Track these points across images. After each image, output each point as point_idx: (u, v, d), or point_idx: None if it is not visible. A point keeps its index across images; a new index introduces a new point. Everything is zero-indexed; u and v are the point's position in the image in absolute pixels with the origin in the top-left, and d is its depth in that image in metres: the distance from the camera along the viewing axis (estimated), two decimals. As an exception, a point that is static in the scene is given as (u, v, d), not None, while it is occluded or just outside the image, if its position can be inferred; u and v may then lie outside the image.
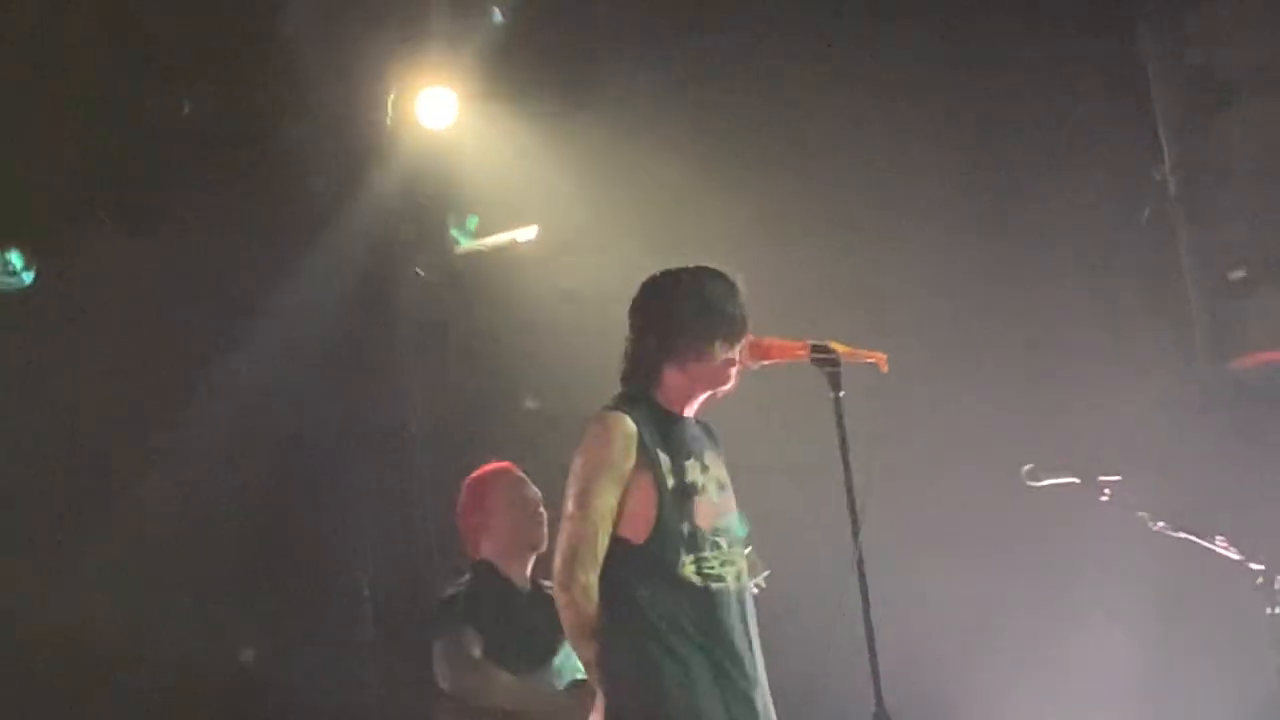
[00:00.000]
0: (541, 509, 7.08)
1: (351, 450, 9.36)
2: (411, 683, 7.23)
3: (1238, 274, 8.80)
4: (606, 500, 5.45)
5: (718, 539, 5.55)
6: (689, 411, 5.65)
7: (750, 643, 5.56)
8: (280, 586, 8.61)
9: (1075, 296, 9.36)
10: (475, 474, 7.25)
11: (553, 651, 6.86)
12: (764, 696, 5.57)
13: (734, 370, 5.61)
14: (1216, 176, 8.89)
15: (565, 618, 5.48)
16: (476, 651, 6.75)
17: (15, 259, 8.50)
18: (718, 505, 5.59)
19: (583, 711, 6.70)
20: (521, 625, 6.87)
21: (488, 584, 6.96)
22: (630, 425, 5.49)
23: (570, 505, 5.48)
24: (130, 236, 8.63)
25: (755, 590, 5.90)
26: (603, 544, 5.46)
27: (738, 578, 5.58)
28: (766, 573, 6.40)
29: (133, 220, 8.63)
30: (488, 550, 7.04)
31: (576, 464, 5.50)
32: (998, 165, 9.33)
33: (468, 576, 7.01)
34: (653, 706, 5.40)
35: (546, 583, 6.97)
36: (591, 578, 5.44)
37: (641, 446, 5.49)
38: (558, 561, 5.48)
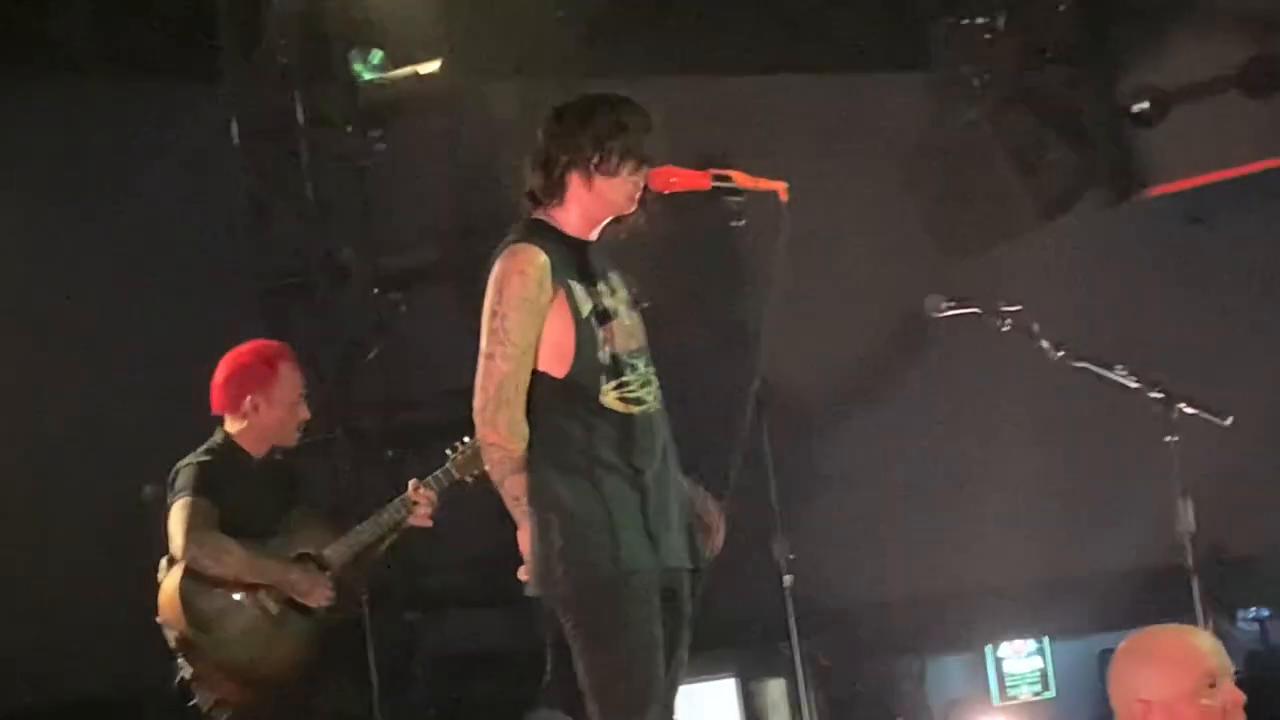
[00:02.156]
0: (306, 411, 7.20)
1: (253, 295, 9.28)
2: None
3: (1141, 106, 8.83)
4: (526, 335, 5.41)
5: (634, 361, 5.55)
6: (592, 236, 5.64)
7: (672, 459, 5.60)
8: (184, 424, 8.56)
9: (979, 128, 9.37)
10: (265, 346, 7.27)
11: (278, 524, 7.00)
12: (687, 512, 5.61)
13: (637, 196, 5.60)
14: (1119, 8, 8.89)
15: (492, 457, 5.46)
16: (213, 521, 6.81)
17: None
18: (629, 327, 5.59)
19: (309, 583, 6.85)
20: (253, 498, 6.96)
21: (229, 459, 7.01)
22: (542, 256, 5.45)
23: (489, 343, 5.42)
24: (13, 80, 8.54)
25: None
26: (524, 380, 5.43)
27: (656, 397, 5.60)
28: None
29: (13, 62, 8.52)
30: (240, 423, 7.07)
31: (491, 300, 5.44)
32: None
33: (208, 449, 7.02)
34: (582, 538, 5.41)
35: (278, 456, 7.18)
36: (517, 414, 5.42)
37: (555, 277, 5.47)
38: (480, 401, 5.43)
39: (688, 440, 5.67)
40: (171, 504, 6.87)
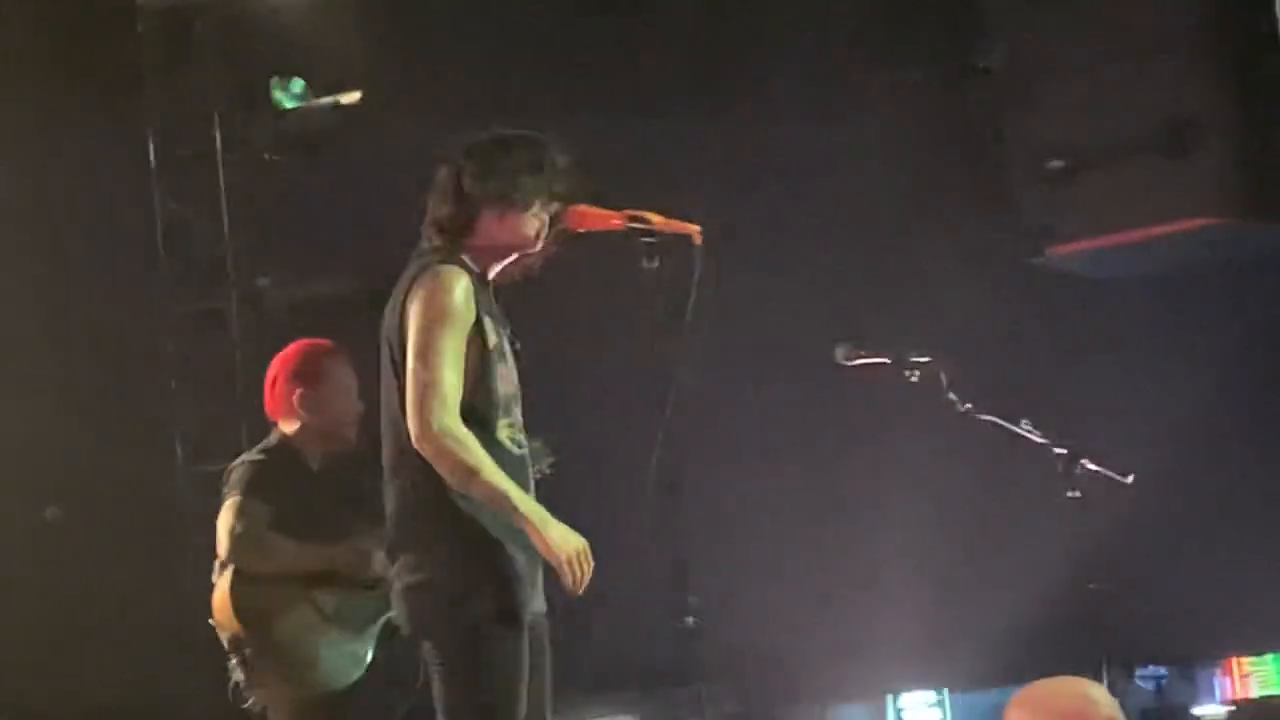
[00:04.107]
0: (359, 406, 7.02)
1: (173, 319, 9.26)
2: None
3: (1056, 164, 8.89)
4: (451, 346, 5.31)
5: (515, 406, 5.56)
6: (492, 274, 5.63)
7: None
8: (91, 447, 8.51)
9: (897, 182, 9.43)
10: (311, 345, 7.09)
11: (338, 534, 6.77)
12: None
13: (543, 234, 5.60)
14: (1040, 65, 8.94)
15: (441, 467, 5.31)
16: (263, 520, 6.67)
17: None
18: (511, 373, 5.59)
19: (360, 558, 6.68)
20: (310, 502, 6.79)
21: (283, 459, 6.85)
22: (466, 277, 5.42)
23: (414, 361, 5.32)
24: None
25: (539, 475, 5.87)
26: (454, 387, 5.31)
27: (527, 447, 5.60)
28: (552, 459, 6.46)
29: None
30: (294, 425, 6.93)
31: (419, 318, 5.35)
32: (817, 47, 9.37)
33: (261, 450, 6.90)
34: (479, 573, 5.36)
35: (341, 465, 7.00)
36: (450, 420, 5.27)
37: (474, 302, 5.43)
38: (411, 416, 5.30)
39: (595, 483, 5.67)
40: (222, 504, 6.74)
